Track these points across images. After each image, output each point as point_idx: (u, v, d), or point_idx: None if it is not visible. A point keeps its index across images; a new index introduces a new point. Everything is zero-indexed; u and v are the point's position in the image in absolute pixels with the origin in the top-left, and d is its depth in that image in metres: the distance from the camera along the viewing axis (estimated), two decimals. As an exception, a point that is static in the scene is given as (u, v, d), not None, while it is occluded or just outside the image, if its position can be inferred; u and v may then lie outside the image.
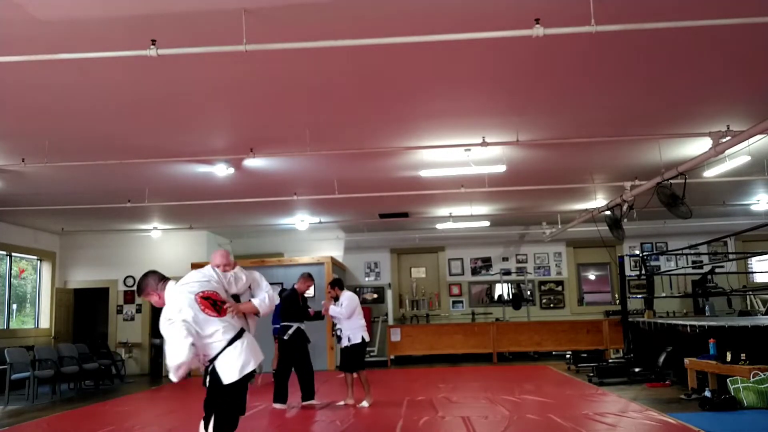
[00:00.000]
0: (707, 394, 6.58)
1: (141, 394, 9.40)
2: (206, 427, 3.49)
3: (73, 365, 9.79)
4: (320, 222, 11.79)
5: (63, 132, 6.18)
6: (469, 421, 5.95)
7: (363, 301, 13.82)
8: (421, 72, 5.02)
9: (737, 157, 7.44)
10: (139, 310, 12.74)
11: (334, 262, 12.52)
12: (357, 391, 7.25)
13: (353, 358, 7.09)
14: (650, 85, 5.46)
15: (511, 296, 13.44)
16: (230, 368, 3.46)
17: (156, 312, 12.56)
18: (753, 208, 11.51)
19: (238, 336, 3.56)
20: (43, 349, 10.00)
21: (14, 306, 11.71)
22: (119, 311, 12.79)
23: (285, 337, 7.17)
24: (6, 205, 9.36)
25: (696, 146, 7.25)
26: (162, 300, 3.68)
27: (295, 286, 7.42)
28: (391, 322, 13.25)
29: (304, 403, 7.18)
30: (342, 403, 7.22)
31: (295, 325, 7.20)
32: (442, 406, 6.93)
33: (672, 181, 6.99)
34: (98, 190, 8.66)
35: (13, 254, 11.52)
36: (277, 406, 7.09)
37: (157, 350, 12.53)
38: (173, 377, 3.32)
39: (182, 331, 3.36)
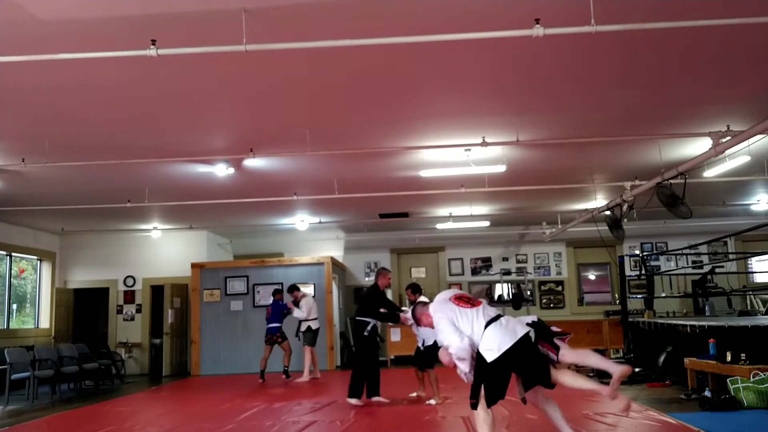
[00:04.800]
0: (707, 394, 6.58)
1: (141, 394, 9.40)
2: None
3: (73, 365, 9.79)
4: (320, 222, 11.79)
5: (63, 132, 6.18)
6: (469, 421, 5.94)
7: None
8: (421, 72, 5.02)
9: (737, 157, 7.43)
10: (139, 310, 12.74)
11: (334, 262, 12.53)
12: (427, 389, 7.48)
13: (427, 357, 7.29)
14: (650, 85, 5.46)
15: (511, 296, 13.42)
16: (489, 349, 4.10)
17: (156, 313, 12.60)
18: (753, 208, 11.51)
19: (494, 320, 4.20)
20: (43, 349, 9.99)
21: (14, 306, 11.71)
22: (119, 311, 12.78)
23: (365, 333, 7.20)
24: (6, 205, 9.36)
25: (696, 146, 7.25)
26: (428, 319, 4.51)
27: (378, 282, 7.42)
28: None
29: (371, 399, 7.26)
30: (414, 394, 7.44)
31: (372, 322, 7.23)
32: (442, 406, 6.93)
33: (672, 181, 6.98)
34: (98, 190, 8.66)
35: (13, 254, 11.52)
36: (353, 401, 7.04)
37: (157, 350, 12.55)
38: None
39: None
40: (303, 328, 9.98)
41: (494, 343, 4.08)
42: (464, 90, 5.49)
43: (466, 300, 4.39)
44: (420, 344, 7.40)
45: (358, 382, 7.14)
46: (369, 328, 7.23)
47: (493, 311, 4.33)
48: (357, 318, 7.38)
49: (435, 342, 7.12)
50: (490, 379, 4.10)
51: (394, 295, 13.79)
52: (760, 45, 4.66)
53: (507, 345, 4.07)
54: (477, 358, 4.17)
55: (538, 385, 4.30)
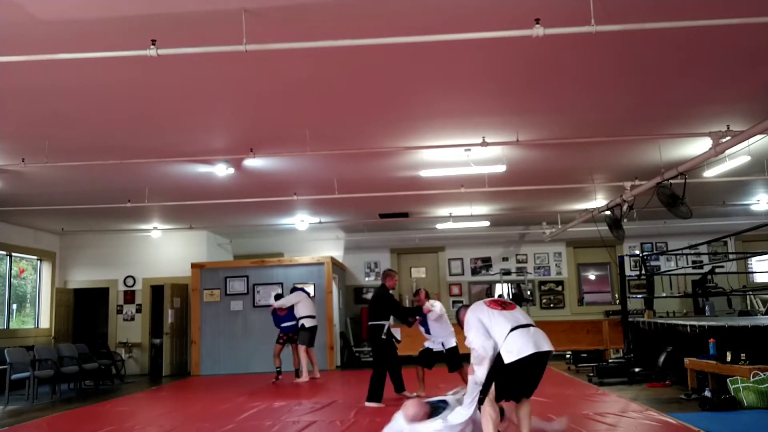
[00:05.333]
0: (707, 394, 6.58)
1: (141, 394, 9.40)
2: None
3: (73, 365, 9.79)
4: (320, 222, 11.79)
5: (63, 132, 6.18)
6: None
7: (364, 301, 13.88)
8: (421, 72, 5.02)
9: (737, 157, 7.43)
10: (139, 310, 12.74)
11: (334, 262, 12.53)
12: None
13: (453, 359, 7.45)
14: (650, 85, 5.46)
15: (511, 296, 13.42)
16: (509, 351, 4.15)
17: (156, 313, 12.58)
18: (753, 208, 11.51)
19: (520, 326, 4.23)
20: (43, 349, 9.99)
21: (14, 306, 11.71)
22: (119, 311, 12.78)
23: (383, 336, 7.25)
24: (6, 205, 9.36)
25: (696, 146, 7.25)
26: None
27: (386, 283, 7.48)
28: (391, 321, 13.22)
29: (402, 394, 7.39)
30: (414, 394, 7.39)
31: (387, 323, 7.30)
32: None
33: (672, 181, 6.98)
34: (98, 190, 8.66)
35: (13, 254, 11.52)
36: (371, 404, 7.02)
37: (157, 350, 12.55)
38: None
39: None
40: (298, 326, 9.96)
41: (515, 347, 4.16)
42: (464, 90, 5.49)
43: (499, 303, 4.47)
44: (437, 347, 7.52)
45: (378, 386, 7.12)
46: (385, 330, 7.29)
47: (525, 319, 4.35)
48: (371, 323, 7.38)
49: (456, 344, 7.43)
50: (502, 378, 4.20)
51: (394, 295, 13.77)
52: (760, 45, 4.66)
53: (526, 352, 4.14)
54: (496, 359, 4.21)
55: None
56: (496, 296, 4.86)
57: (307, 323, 9.90)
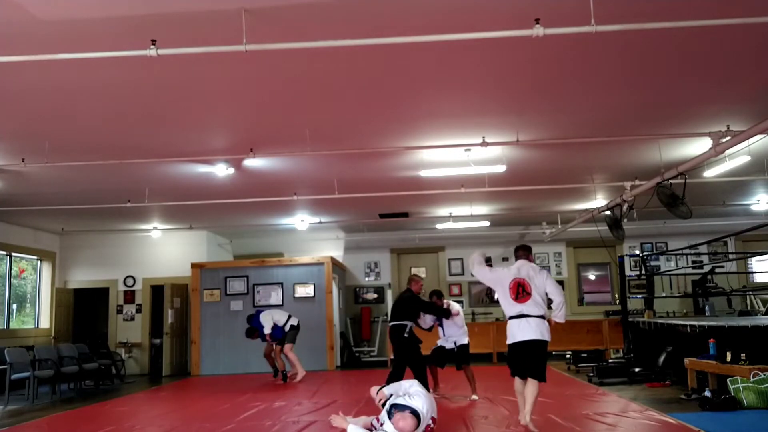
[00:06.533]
0: (707, 394, 6.58)
1: (141, 394, 9.40)
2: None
3: (73, 365, 9.79)
4: (320, 222, 11.79)
5: (63, 132, 6.18)
6: (469, 421, 5.95)
7: (364, 301, 13.88)
8: (421, 72, 5.02)
9: (737, 157, 7.43)
10: (139, 310, 12.74)
11: (334, 262, 12.53)
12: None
13: (461, 356, 7.63)
14: (650, 85, 5.46)
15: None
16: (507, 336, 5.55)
17: (156, 313, 12.56)
18: (753, 208, 11.50)
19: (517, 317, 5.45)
20: (43, 349, 9.99)
21: (14, 306, 11.71)
22: (119, 311, 12.78)
23: (405, 335, 7.30)
24: (6, 205, 9.36)
25: (696, 146, 7.25)
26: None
27: (411, 287, 7.60)
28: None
29: None
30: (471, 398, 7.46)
31: (409, 324, 7.35)
32: (441, 406, 6.92)
33: (672, 181, 6.98)
34: (98, 190, 8.66)
35: (13, 254, 11.52)
36: None
37: (157, 350, 12.55)
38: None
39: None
40: (286, 330, 9.99)
41: (509, 333, 5.50)
42: (464, 90, 5.49)
43: (516, 292, 5.48)
44: (449, 345, 7.62)
45: (392, 381, 7.12)
46: (407, 330, 7.33)
47: (528, 310, 5.41)
48: (393, 323, 7.43)
49: (468, 342, 7.72)
50: (508, 356, 5.62)
51: (394, 295, 13.77)
52: (760, 45, 4.66)
53: (512, 340, 5.48)
54: None
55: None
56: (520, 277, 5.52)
57: (293, 322, 10.01)
